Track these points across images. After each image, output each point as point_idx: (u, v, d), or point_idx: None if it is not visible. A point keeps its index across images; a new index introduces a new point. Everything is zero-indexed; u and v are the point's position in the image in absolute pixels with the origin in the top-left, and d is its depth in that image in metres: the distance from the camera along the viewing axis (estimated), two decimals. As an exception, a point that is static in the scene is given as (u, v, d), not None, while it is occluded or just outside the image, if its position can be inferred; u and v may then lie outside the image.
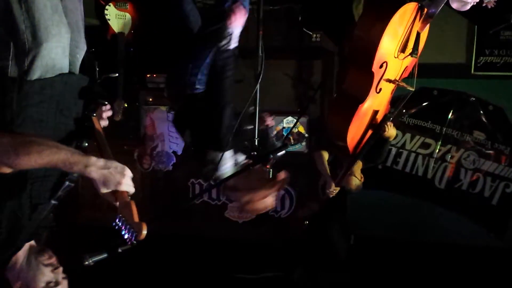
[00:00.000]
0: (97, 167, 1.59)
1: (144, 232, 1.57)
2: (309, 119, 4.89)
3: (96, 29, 4.35)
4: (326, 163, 3.65)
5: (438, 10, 2.39)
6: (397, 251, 4.53)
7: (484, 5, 2.35)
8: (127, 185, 1.64)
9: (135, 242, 1.59)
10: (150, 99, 5.20)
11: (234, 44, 2.46)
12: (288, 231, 4.85)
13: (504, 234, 4.53)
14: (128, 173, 1.65)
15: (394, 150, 4.75)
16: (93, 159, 1.60)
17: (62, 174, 1.74)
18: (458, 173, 4.63)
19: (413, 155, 4.72)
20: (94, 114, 1.93)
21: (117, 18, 4.31)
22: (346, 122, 2.72)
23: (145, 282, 4.39)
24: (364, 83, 2.60)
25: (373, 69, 2.52)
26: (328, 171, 3.69)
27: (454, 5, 2.36)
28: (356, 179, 3.70)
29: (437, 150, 4.66)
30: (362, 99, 2.63)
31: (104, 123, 2.03)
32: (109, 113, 2.04)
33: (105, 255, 1.83)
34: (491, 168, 4.55)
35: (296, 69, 5.00)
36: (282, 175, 2.28)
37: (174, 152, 5.35)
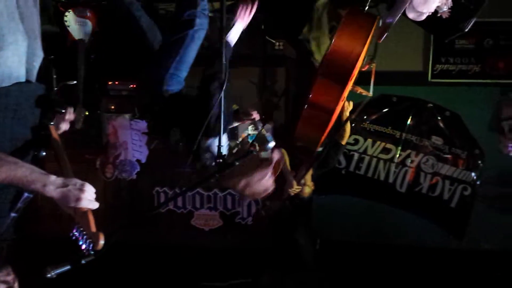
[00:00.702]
0: (55, 186, 1.57)
1: (101, 242, 1.57)
2: (273, 126, 4.93)
3: (55, 36, 4.25)
4: (287, 162, 3.67)
5: (395, 20, 2.46)
6: (362, 254, 4.60)
7: (439, 15, 2.43)
8: (87, 200, 1.62)
9: (92, 252, 1.59)
10: (112, 107, 5.11)
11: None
12: (254, 237, 4.86)
13: (463, 235, 4.66)
14: (89, 188, 1.64)
15: (356, 155, 4.84)
16: (52, 178, 1.58)
17: None
18: (418, 177, 4.75)
19: (374, 160, 4.82)
20: (52, 123, 1.90)
21: (77, 25, 4.22)
22: (320, 131, 2.76)
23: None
24: (334, 94, 2.62)
25: (349, 83, 2.59)
26: (288, 169, 3.69)
27: (411, 15, 2.43)
28: (308, 187, 3.77)
29: (397, 155, 4.77)
30: (333, 109, 2.66)
31: (66, 126, 2.00)
32: (71, 117, 2.01)
33: (68, 267, 1.80)
34: (449, 171, 4.69)
35: (260, 77, 5.04)
36: (275, 154, 2.32)
37: (138, 161, 5.27)
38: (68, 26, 4.21)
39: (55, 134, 1.89)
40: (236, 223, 5.10)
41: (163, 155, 5.15)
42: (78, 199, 1.59)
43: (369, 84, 2.97)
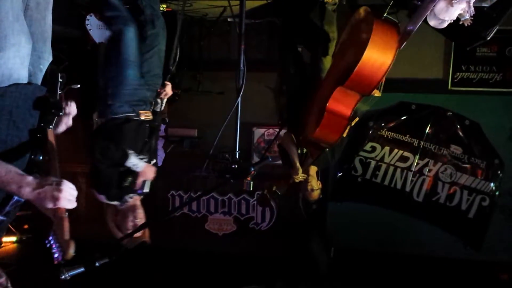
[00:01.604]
0: (31, 188, 1.49)
1: (71, 251, 1.48)
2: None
3: (76, 40, 4.31)
4: (295, 147, 3.58)
5: (416, 27, 2.43)
6: (376, 263, 4.55)
7: (461, 23, 2.39)
8: (66, 200, 1.51)
9: (62, 262, 1.50)
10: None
11: None
12: (268, 244, 4.84)
13: (480, 246, 4.58)
14: (67, 187, 1.53)
15: (373, 163, 4.79)
16: (28, 178, 1.50)
17: None
18: (436, 186, 4.68)
19: (391, 168, 4.76)
20: (51, 126, 1.81)
21: (98, 29, 4.28)
22: (337, 134, 2.86)
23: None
24: (352, 101, 2.73)
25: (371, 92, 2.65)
26: (297, 156, 3.56)
27: (432, 23, 2.39)
28: (318, 190, 3.74)
29: (415, 164, 4.71)
30: (350, 115, 2.74)
31: (69, 122, 1.95)
32: (73, 111, 1.96)
33: (82, 269, 1.80)
34: (467, 181, 4.62)
35: (278, 82, 5.03)
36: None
37: (154, 164, 5.29)
38: (90, 29, 4.27)
39: (51, 137, 1.79)
40: (250, 229, 5.08)
41: (179, 159, 5.17)
42: (55, 199, 1.49)
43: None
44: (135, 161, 2.71)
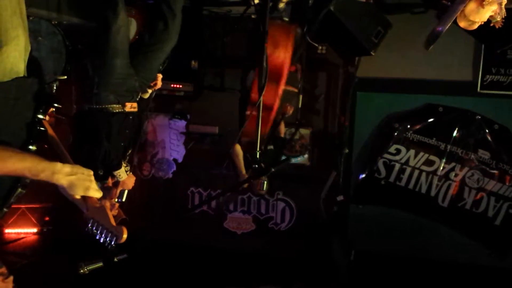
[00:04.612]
0: (64, 174, 1.55)
1: (125, 236, 1.57)
2: (312, 131, 4.87)
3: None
4: (242, 159, 3.78)
5: (446, 28, 2.37)
6: (397, 267, 4.49)
7: (492, 25, 2.33)
8: (95, 190, 1.61)
9: (113, 245, 1.59)
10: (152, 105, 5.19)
11: None
12: (287, 244, 4.81)
13: (506, 254, 4.46)
14: (94, 178, 1.62)
15: (397, 166, 4.70)
16: (59, 165, 1.56)
17: (14, 180, 1.70)
18: (462, 191, 4.57)
19: (416, 171, 4.67)
20: (45, 118, 1.88)
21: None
22: (263, 126, 3.15)
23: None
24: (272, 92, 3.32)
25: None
26: (243, 165, 3.79)
27: (462, 24, 2.34)
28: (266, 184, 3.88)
29: (441, 168, 4.61)
30: (272, 105, 3.37)
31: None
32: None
33: (101, 264, 1.82)
34: (495, 188, 4.49)
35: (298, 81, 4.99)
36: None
37: (175, 160, 5.32)
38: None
39: (50, 129, 1.87)
40: (269, 228, 5.06)
41: (200, 156, 5.17)
42: (87, 188, 1.58)
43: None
44: (121, 171, 2.76)
